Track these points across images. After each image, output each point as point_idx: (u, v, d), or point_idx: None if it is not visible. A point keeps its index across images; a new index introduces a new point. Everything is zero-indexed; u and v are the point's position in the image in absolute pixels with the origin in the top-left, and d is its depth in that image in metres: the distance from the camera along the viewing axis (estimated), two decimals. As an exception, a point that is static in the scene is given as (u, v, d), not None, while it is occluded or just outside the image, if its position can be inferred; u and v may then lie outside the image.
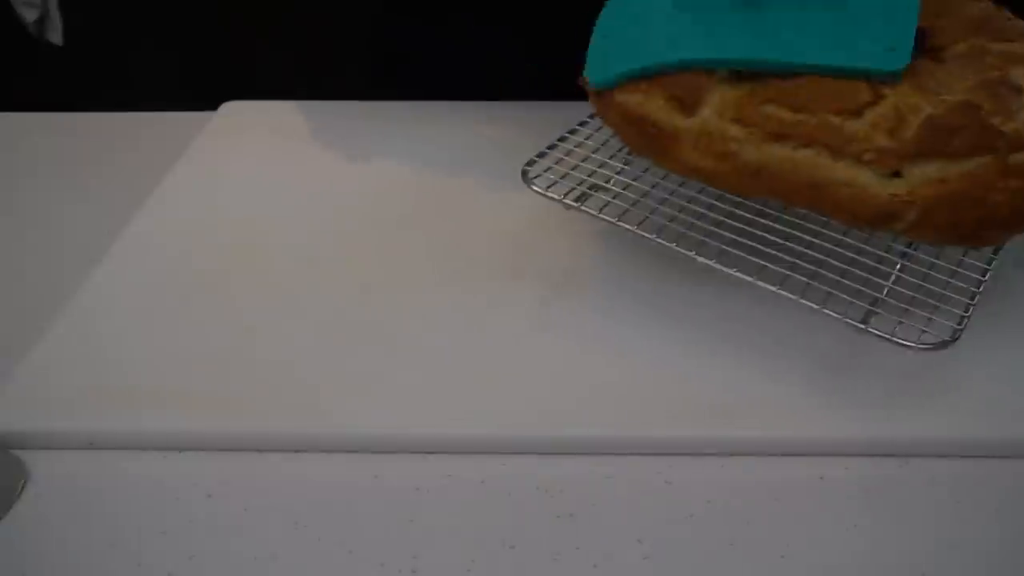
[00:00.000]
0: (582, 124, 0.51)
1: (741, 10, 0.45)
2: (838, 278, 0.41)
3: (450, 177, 0.58)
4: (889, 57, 0.42)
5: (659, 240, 0.43)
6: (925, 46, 0.43)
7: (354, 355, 0.43)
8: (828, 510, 0.36)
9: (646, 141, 0.45)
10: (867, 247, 0.43)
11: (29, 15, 1.01)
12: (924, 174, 0.39)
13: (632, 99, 0.45)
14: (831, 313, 0.39)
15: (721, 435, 0.38)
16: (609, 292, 0.46)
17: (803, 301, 0.40)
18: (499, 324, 0.44)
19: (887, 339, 0.38)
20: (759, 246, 0.42)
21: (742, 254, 0.42)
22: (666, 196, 0.46)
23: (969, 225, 0.39)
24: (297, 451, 0.39)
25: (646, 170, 0.47)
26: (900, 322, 0.39)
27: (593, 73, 0.47)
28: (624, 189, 0.47)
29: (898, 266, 0.43)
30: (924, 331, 0.38)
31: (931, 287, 0.41)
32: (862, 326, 0.39)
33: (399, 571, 0.33)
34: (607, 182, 0.47)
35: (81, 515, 0.36)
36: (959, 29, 0.45)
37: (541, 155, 0.48)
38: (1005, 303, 0.45)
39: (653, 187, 0.47)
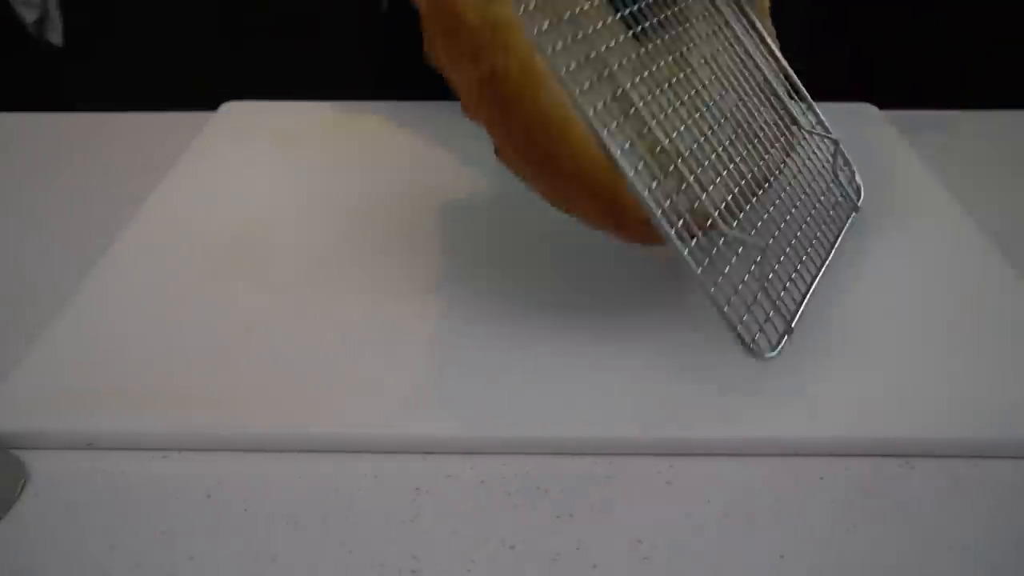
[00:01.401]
0: None
1: None
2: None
3: (450, 177, 0.58)
4: None
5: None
6: None
7: (354, 355, 0.43)
8: (828, 510, 0.36)
9: None
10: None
11: (29, 15, 1.01)
12: None
13: None
14: None
15: (721, 435, 0.38)
16: (610, 292, 0.46)
17: None
18: (499, 324, 0.44)
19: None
20: None
21: None
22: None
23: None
24: (297, 451, 0.39)
25: None
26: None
27: None
28: None
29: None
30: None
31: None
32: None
33: (399, 571, 0.33)
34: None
35: (81, 515, 0.36)
36: None
37: None
38: (995, 302, 0.45)
39: None
